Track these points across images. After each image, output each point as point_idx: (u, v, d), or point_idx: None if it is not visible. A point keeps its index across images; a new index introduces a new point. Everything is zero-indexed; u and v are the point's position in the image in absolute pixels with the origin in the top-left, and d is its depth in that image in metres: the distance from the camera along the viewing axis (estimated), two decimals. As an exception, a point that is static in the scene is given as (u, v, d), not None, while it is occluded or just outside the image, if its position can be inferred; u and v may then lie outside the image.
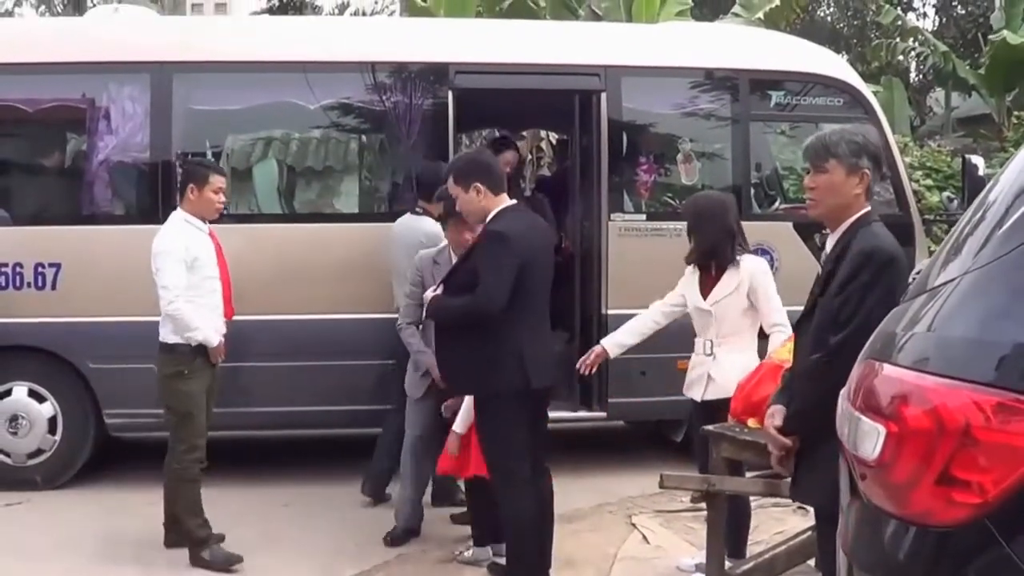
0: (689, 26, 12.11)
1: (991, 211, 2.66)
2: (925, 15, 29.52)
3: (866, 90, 8.47)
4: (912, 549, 2.43)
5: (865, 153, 3.79)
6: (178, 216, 5.94)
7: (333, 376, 7.29)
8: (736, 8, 16.83)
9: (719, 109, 8.12)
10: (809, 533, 4.96)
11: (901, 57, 21.66)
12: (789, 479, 3.96)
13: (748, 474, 5.20)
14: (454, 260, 6.00)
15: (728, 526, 5.29)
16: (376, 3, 33.99)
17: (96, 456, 7.54)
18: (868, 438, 2.51)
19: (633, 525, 6.53)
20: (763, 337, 5.52)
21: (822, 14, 30.53)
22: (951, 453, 2.31)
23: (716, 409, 5.32)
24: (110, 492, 7.25)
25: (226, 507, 6.28)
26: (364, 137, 7.97)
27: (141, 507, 6.67)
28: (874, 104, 8.30)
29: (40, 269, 7.19)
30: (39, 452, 7.31)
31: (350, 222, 7.62)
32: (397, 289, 6.69)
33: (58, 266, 7.20)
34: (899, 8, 23.62)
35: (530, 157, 13.90)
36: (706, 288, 5.49)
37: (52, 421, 7.31)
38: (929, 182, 12.93)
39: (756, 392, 4.85)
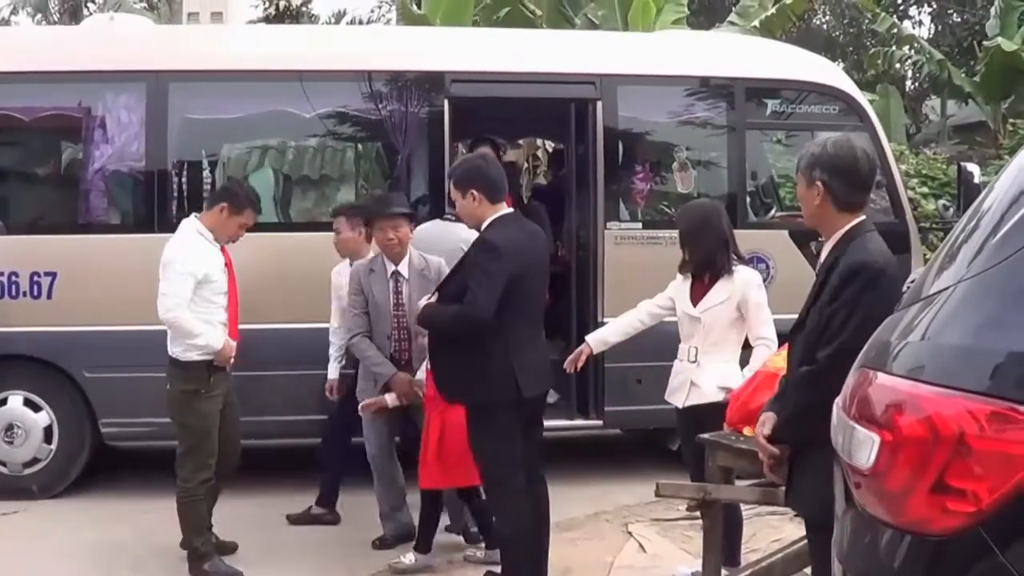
0: (685, 34, 12.11)
1: (985, 219, 2.66)
2: (921, 23, 29.63)
3: (862, 98, 8.48)
4: (907, 558, 2.43)
5: (819, 165, 3.72)
6: (191, 226, 5.82)
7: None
8: (732, 16, 16.86)
9: (715, 117, 8.13)
10: (805, 541, 4.95)
11: (897, 65, 21.65)
12: (784, 487, 3.96)
13: (742, 482, 5.19)
14: (388, 267, 6.08)
15: (721, 535, 5.28)
16: (372, 12, 34.09)
17: (90, 464, 7.51)
18: (863, 447, 2.51)
19: (629, 534, 6.52)
20: (747, 348, 5.51)
21: (818, 22, 30.58)
22: (945, 462, 2.31)
23: (697, 415, 5.33)
24: (106, 501, 7.23)
25: (227, 518, 6.21)
26: (360, 146, 7.98)
27: (137, 516, 6.67)
28: (870, 112, 8.31)
29: (36, 278, 7.18)
30: (35, 461, 7.29)
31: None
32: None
33: (54, 275, 7.19)
34: (895, 16, 23.65)
35: (526, 166, 13.89)
36: (697, 295, 5.47)
37: (48, 430, 7.30)
38: (925, 190, 12.95)
39: (752, 400, 4.84)
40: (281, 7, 26.25)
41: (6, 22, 31.24)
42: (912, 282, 3.04)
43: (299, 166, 7.75)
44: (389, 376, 6.06)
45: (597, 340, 5.77)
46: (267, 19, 26.17)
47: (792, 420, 3.68)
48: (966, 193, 7.89)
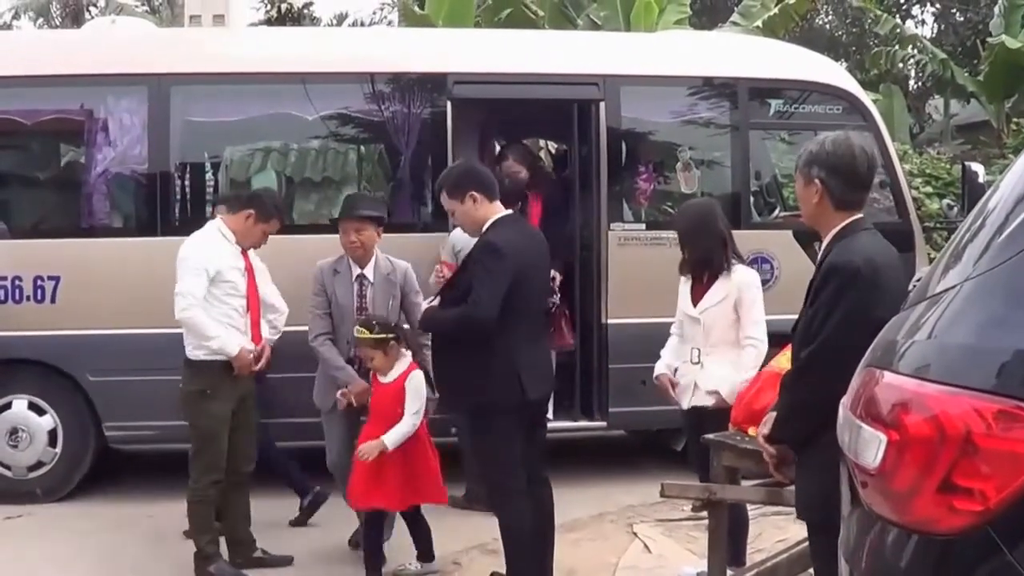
0: (688, 35, 12.10)
1: (991, 218, 2.65)
2: (923, 23, 29.58)
3: (865, 98, 8.47)
4: (914, 557, 2.42)
5: (817, 163, 3.73)
6: (214, 225, 5.84)
7: None
8: (735, 16, 16.87)
9: (718, 117, 8.13)
10: (809, 542, 4.95)
11: (900, 65, 21.62)
12: (791, 486, 3.96)
13: (747, 482, 5.19)
14: (353, 269, 6.07)
15: (727, 534, 5.28)
16: (375, 13, 34.07)
17: (94, 468, 7.51)
18: (869, 446, 2.50)
19: (634, 534, 6.52)
20: None
21: (821, 22, 30.52)
22: (952, 461, 2.30)
23: (703, 415, 5.33)
24: (110, 504, 7.24)
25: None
26: (363, 148, 7.99)
27: (142, 519, 6.67)
28: (873, 112, 8.31)
29: (39, 282, 7.18)
30: (39, 465, 7.29)
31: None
32: None
33: (57, 279, 7.19)
34: (897, 16, 23.65)
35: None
36: (696, 296, 5.47)
37: (52, 434, 7.29)
38: (929, 189, 12.94)
39: (757, 400, 4.85)
40: (283, 9, 26.20)
41: (8, 26, 31.25)
42: (918, 281, 3.03)
43: (301, 168, 7.74)
44: (347, 382, 5.97)
45: (665, 365, 5.66)
46: (269, 21, 26.10)
47: (784, 419, 3.72)
48: (971, 192, 7.88)
